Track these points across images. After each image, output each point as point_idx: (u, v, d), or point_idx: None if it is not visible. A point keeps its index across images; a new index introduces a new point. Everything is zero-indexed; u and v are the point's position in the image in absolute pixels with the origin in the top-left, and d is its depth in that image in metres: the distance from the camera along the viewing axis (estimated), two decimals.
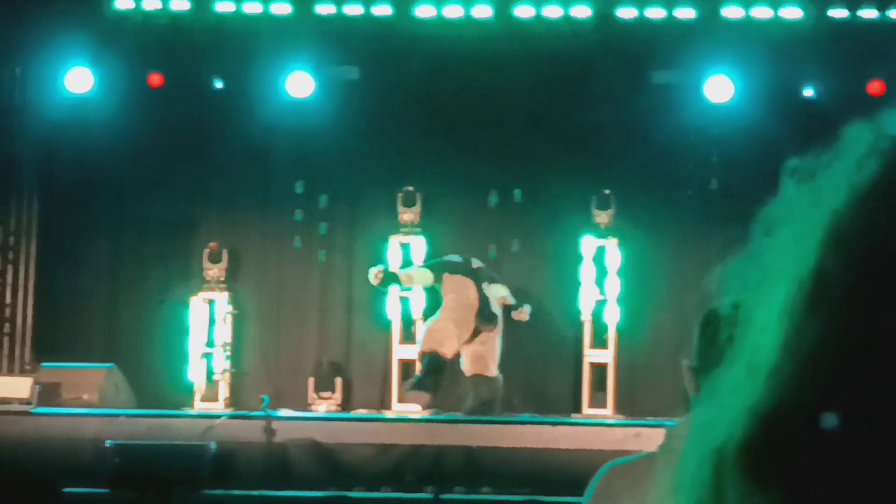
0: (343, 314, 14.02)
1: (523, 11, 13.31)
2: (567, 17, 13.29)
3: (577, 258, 13.49)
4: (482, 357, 12.50)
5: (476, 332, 12.53)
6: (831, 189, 0.88)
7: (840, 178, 0.88)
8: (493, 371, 12.55)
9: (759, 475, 0.84)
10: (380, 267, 12.73)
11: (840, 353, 0.84)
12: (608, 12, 13.28)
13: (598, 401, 13.14)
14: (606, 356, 13.34)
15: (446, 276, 12.68)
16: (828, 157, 0.90)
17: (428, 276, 12.75)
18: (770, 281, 0.88)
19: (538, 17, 13.30)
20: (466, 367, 12.57)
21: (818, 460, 0.83)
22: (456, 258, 12.85)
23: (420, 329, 12.99)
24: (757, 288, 0.89)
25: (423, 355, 12.59)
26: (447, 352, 12.58)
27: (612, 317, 13.41)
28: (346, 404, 13.40)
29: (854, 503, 0.82)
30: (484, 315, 12.58)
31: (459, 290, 12.60)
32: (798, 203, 0.90)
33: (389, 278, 12.71)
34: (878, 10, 13.04)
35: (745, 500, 0.84)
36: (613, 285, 13.43)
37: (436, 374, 12.48)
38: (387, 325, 13.53)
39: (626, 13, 13.27)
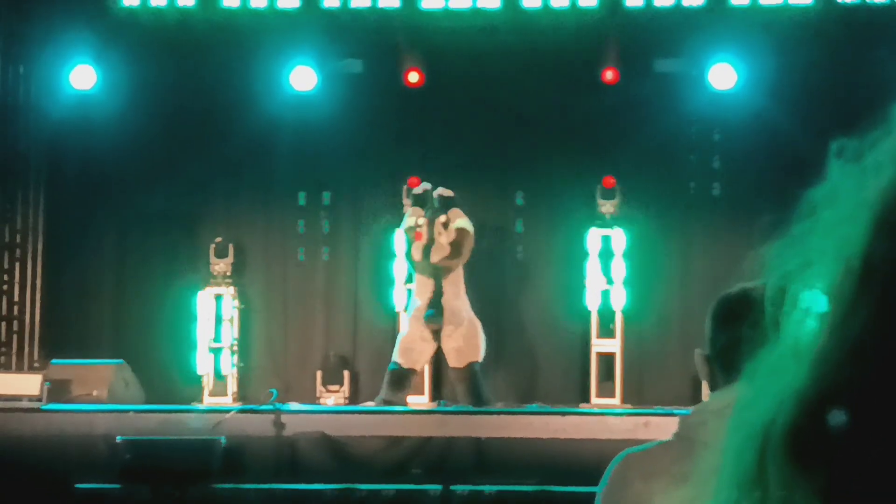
0: (349, 307, 14.04)
1: (530, 1, 13.32)
2: (574, 7, 13.29)
3: (583, 248, 13.50)
4: (454, 350, 12.36)
5: (436, 332, 12.37)
6: (879, 170, 0.87)
7: (888, 159, 0.87)
8: (469, 360, 12.42)
9: (802, 459, 0.84)
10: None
11: (888, 337, 0.83)
12: (615, 1, 13.29)
13: (605, 390, 13.15)
14: (613, 346, 13.35)
15: (416, 277, 12.57)
16: (874, 138, 0.89)
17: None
18: (815, 264, 0.88)
19: (545, 7, 13.31)
20: (449, 362, 12.49)
21: (863, 445, 0.82)
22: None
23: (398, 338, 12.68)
24: (802, 271, 0.89)
25: (390, 370, 12.41)
26: (417, 365, 12.47)
27: (619, 306, 13.42)
28: (354, 397, 13.42)
29: None
30: (427, 315, 12.39)
31: (420, 292, 12.49)
32: (844, 184, 0.88)
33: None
34: None
35: (788, 483, 0.84)
36: (619, 274, 13.45)
37: (398, 388, 12.36)
38: (393, 318, 13.55)
39: (632, 1, 13.27)
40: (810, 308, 0.88)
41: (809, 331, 0.87)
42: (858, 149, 0.90)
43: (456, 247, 12.42)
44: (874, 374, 0.83)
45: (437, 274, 12.38)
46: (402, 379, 12.34)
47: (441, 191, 12.58)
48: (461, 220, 12.47)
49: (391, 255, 13.52)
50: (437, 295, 12.33)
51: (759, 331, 0.92)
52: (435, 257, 12.39)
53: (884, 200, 0.86)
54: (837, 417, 0.84)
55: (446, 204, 12.53)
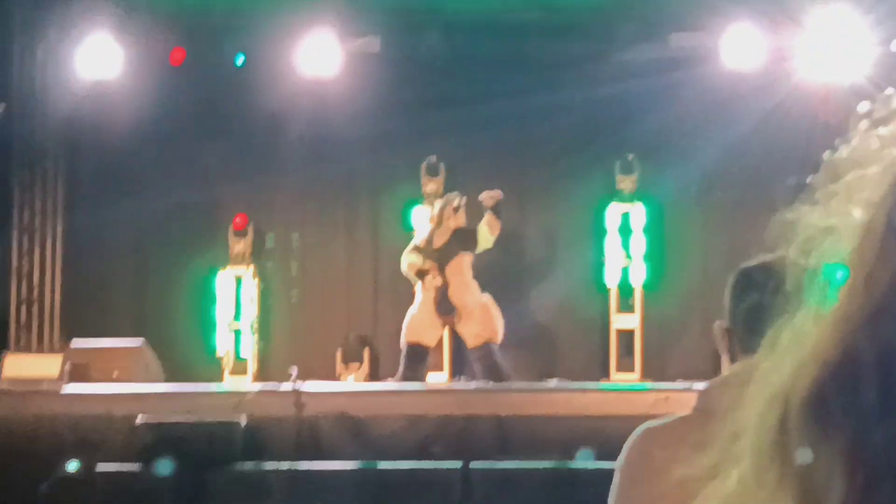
0: (369, 285, 14.05)
1: None
2: None
3: (602, 223, 13.49)
4: (471, 335, 12.40)
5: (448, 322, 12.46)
6: None
7: None
8: (486, 338, 12.44)
9: (825, 423, 0.84)
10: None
11: None
12: None
13: (625, 366, 13.16)
14: (633, 321, 13.35)
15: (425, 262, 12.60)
16: None
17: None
18: (838, 228, 0.87)
19: None
20: (467, 345, 12.55)
21: (886, 408, 0.82)
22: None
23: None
24: (824, 235, 0.88)
25: (405, 346, 12.47)
26: (429, 342, 12.53)
27: (638, 281, 13.41)
28: (374, 376, 13.44)
29: None
30: (440, 307, 12.42)
31: (428, 279, 12.51)
32: (867, 148, 0.88)
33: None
34: None
35: (810, 447, 0.84)
36: (639, 250, 13.43)
37: (417, 366, 12.41)
38: (413, 296, 13.54)
39: None
40: (833, 272, 0.87)
41: (832, 295, 0.86)
42: (881, 113, 0.89)
43: (461, 237, 12.42)
44: None
45: (442, 262, 12.39)
46: (420, 355, 12.37)
47: (488, 195, 12.55)
48: (484, 228, 12.46)
49: (410, 233, 13.51)
50: (445, 287, 12.36)
51: (780, 297, 0.92)
52: (437, 241, 12.40)
53: None
54: (862, 381, 0.83)
55: (494, 208, 12.54)
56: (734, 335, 2.96)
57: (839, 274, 0.86)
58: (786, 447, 0.85)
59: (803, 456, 0.85)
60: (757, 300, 2.69)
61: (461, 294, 12.39)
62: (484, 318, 12.36)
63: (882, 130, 0.88)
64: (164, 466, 10.12)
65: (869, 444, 0.82)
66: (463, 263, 12.48)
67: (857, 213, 0.86)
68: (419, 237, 12.64)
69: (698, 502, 0.92)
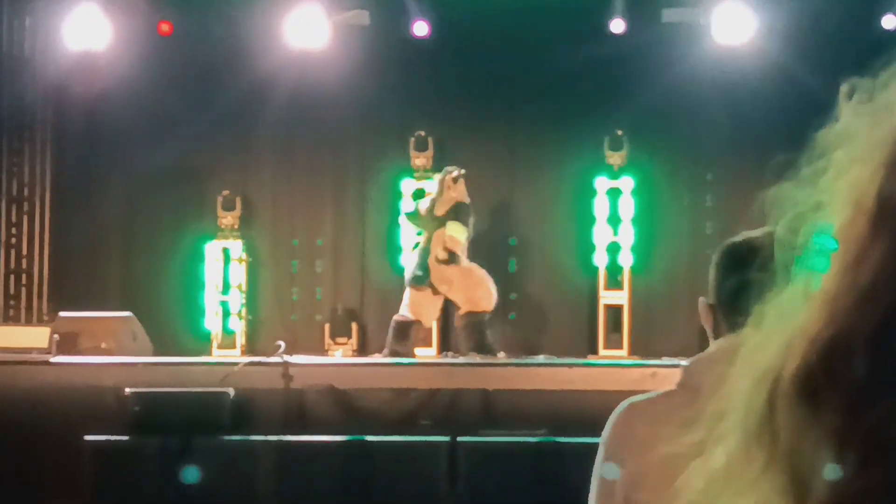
0: (357, 260, 14.05)
1: None
2: None
3: (591, 199, 13.49)
4: (464, 300, 12.41)
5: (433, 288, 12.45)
6: (891, 109, 0.85)
7: None
8: (472, 307, 12.42)
9: (814, 402, 0.83)
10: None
11: None
12: None
13: (613, 342, 13.18)
14: (621, 297, 13.36)
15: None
16: (886, 77, 0.87)
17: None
18: (827, 205, 0.86)
19: None
20: (459, 310, 12.56)
21: (876, 388, 0.81)
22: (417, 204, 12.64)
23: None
24: (813, 212, 0.87)
25: (396, 322, 12.48)
26: (428, 320, 12.53)
27: (627, 258, 13.42)
28: (361, 350, 13.44)
29: None
30: (414, 277, 12.40)
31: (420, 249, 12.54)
32: (856, 125, 0.87)
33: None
34: None
35: (799, 426, 0.83)
36: (627, 226, 13.44)
37: (403, 338, 12.40)
38: (400, 271, 13.54)
39: None
40: (821, 250, 0.86)
41: (820, 273, 0.86)
42: (870, 89, 0.88)
43: (459, 209, 12.41)
44: (888, 314, 0.82)
45: (433, 230, 12.37)
46: (407, 329, 12.37)
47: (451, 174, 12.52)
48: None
49: (398, 207, 13.51)
50: (426, 254, 12.35)
51: (767, 274, 0.91)
52: (440, 209, 12.37)
53: None
54: (852, 360, 0.82)
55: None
56: (719, 312, 2.96)
57: (828, 252, 0.86)
58: (773, 426, 0.85)
59: (791, 435, 0.84)
60: (742, 277, 2.69)
61: (439, 262, 12.39)
62: (470, 284, 12.36)
63: (870, 107, 0.88)
64: (153, 437, 10.13)
65: (859, 424, 0.81)
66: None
67: (846, 190, 0.86)
68: (421, 205, 12.60)
69: (683, 479, 0.91)
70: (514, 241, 13.90)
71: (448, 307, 12.75)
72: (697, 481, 0.90)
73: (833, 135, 0.89)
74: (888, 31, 12.91)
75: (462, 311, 12.40)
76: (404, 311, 12.41)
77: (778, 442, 0.84)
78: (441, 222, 12.39)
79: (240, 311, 13.55)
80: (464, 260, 12.45)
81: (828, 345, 0.83)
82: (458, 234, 12.34)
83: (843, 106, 0.89)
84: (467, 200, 12.48)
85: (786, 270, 0.89)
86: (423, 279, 12.31)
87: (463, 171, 12.53)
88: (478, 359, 11.97)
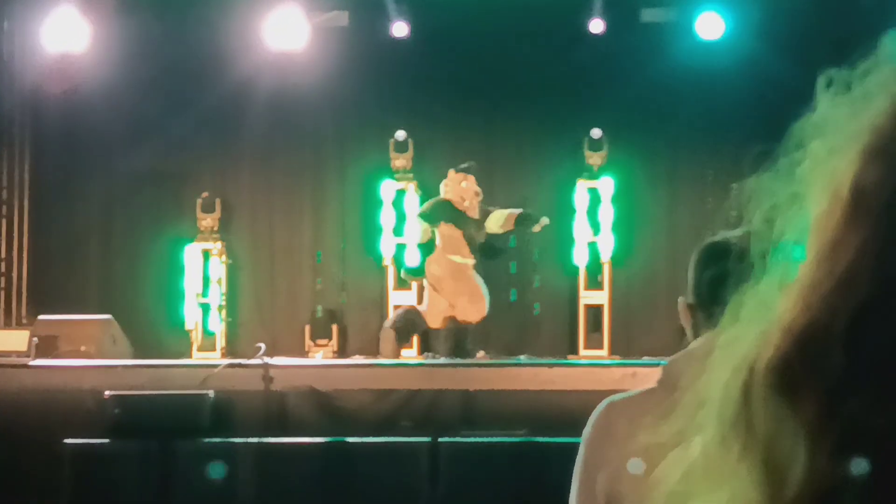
0: (336, 261, 14.03)
1: None
2: None
3: (571, 200, 13.50)
4: (453, 304, 12.45)
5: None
6: (869, 100, 0.86)
7: (878, 89, 0.86)
8: (465, 316, 12.43)
9: (790, 392, 0.83)
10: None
11: (880, 266, 0.82)
12: None
13: (593, 342, 13.19)
14: (601, 298, 13.37)
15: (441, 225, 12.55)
16: (864, 68, 0.88)
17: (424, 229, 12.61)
18: (803, 196, 0.87)
19: None
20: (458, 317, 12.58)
21: (853, 377, 0.81)
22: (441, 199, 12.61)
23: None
24: (789, 203, 0.88)
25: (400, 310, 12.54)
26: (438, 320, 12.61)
27: (607, 258, 13.43)
28: (342, 351, 13.43)
29: (890, 421, 0.80)
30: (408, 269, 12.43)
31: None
32: (833, 115, 0.87)
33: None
34: None
35: (775, 416, 0.84)
36: (607, 226, 13.45)
37: (409, 332, 12.48)
38: (381, 271, 13.55)
39: None
40: (798, 240, 0.86)
41: (796, 263, 0.86)
42: (847, 79, 0.88)
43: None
44: (866, 303, 0.82)
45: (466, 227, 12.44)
46: (418, 322, 12.40)
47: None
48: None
49: (378, 208, 13.50)
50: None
51: (744, 266, 0.91)
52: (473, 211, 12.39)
53: (874, 129, 0.85)
54: (829, 349, 0.82)
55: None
56: (698, 310, 2.97)
57: (804, 242, 0.86)
58: (750, 416, 0.85)
59: (767, 425, 0.84)
60: (720, 273, 2.69)
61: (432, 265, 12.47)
62: (480, 297, 12.43)
63: (847, 97, 0.88)
64: (133, 440, 10.11)
65: (835, 414, 0.81)
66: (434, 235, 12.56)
67: (823, 180, 0.86)
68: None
69: (661, 469, 0.91)
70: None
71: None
72: (675, 471, 0.90)
73: (810, 125, 0.89)
74: (865, 24, 12.92)
75: (452, 316, 12.37)
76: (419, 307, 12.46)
77: (754, 432, 0.84)
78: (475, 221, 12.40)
79: (220, 314, 13.53)
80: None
81: (804, 334, 0.83)
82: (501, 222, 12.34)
83: (821, 96, 0.89)
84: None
85: (762, 262, 0.89)
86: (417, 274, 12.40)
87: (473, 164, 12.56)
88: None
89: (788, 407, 0.83)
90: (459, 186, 12.39)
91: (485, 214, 12.44)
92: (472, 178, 12.40)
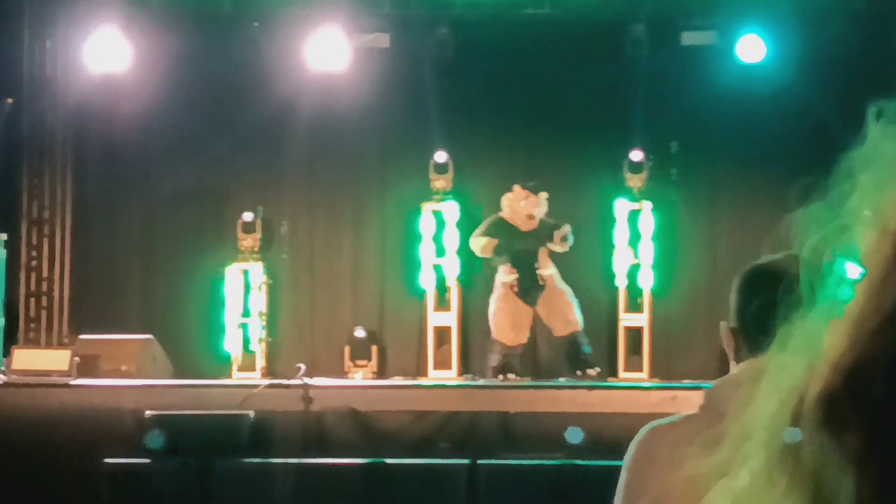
0: (376, 282, 14.05)
1: None
2: None
3: (611, 222, 13.48)
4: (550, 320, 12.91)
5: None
6: None
7: None
8: (573, 328, 12.79)
9: (837, 426, 0.83)
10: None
11: None
12: None
13: (633, 364, 13.15)
14: (641, 320, 13.33)
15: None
16: None
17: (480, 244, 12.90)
18: (852, 227, 0.86)
19: None
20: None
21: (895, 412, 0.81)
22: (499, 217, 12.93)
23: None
24: (838, 234, 0.87)
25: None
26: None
27: (647, 280, 13.40)
28: (381, 372, 13.44)
29: None
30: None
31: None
32: (882, 147, 0.87)
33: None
34: None
35: (823, 450, 0.84)
36: (647, 249, 13.42)
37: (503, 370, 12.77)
38: (421, 294, 13.55)
39: None
40: (847, 272, 0.86)
41: (845, 296, 0.86)
42: None
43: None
44: None
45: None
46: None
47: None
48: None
49: (417, 230, 13.52)
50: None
51: (792, 296, 0.91)
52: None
53: None
54: (876, 385, 0.82)
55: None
56: (741, 335, 2.95)
57: (854, 274, 0.85)
58: (797, 448, 0.85)
59: (815, 458, 0.84)
60: (766, 300, 2.68)
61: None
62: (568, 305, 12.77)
63: (895, 129, 0.88)
64: (173, 459, 10.14)
65: (881, 447, 0.81)
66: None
67: (873, 213, 0.86)
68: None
69: (707, 500, 0.91)
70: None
71: (469, 326, 12.79)
72: (721, 502, 0.89)
73: (860, 157, 0.88)
74: None
75: (561, 333, 12.79)
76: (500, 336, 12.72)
77: (801, 464, 0.84)
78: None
79: (260, 334, 13.55)
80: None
81: (851, 368, 0.83)
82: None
83: (871, 127, 0.89)
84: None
85: (811, 292, 0.89)
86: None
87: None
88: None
89: (835, 440, 0.83)
90: (517, 203, 12.68)
91: (548, 230, 12.84)
92: (533, 196, 12.81)
